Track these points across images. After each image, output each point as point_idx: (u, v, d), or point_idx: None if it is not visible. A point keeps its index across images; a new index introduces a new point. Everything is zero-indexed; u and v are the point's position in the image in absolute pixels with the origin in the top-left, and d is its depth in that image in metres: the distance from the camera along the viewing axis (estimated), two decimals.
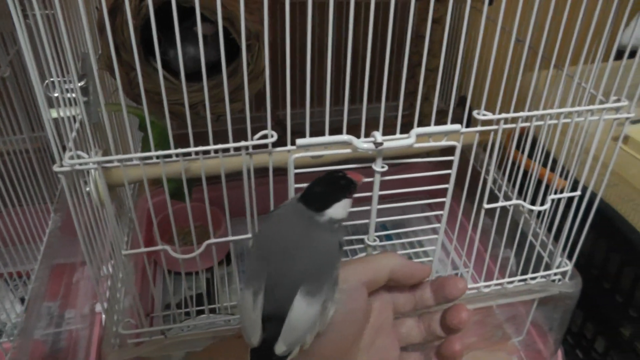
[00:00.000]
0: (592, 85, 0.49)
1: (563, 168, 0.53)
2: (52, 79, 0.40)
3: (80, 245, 0.45)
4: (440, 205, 0.49)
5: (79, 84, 0.43)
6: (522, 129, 0.50)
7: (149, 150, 0.41)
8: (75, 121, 0.44)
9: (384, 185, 0.46)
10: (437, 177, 0.48)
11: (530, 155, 0.54)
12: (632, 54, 0.47)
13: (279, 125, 0.70)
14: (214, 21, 0.45)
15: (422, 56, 0.43)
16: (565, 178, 0.53)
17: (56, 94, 0.41)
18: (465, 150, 0.48)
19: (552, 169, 0.53)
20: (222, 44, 0.39)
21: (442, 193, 0.48)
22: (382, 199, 0.47)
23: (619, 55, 0.47)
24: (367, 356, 0.40)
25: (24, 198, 0.66)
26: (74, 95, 0.43)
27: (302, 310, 0.31)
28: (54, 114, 0.41)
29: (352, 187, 0.35)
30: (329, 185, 0.34)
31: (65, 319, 0.69)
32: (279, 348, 0.31)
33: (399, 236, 0.77)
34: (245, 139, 0.41)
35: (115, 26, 0.48)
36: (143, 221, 0.77)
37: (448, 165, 0.46)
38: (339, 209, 0.33)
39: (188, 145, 0.41)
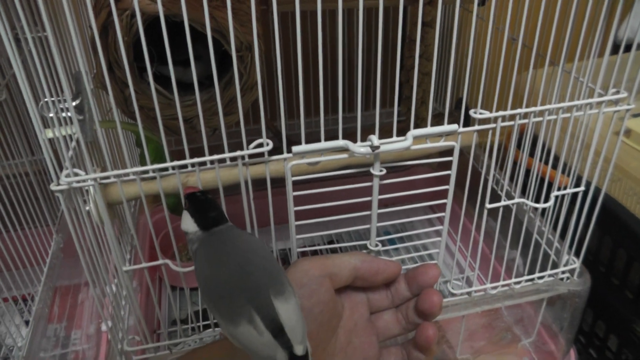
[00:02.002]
0: (589, 80, 0.48)
1: (565, 165, 0.52)
2: (46, 99, 0.40)
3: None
4: (443, 208, 0.48)
5: (74, 103, 0.43)
6: (522, 129, 0.50)
7: (146, 173, 0.41)
8: (71, 140, 0.44)
9: (384, 190, 0.45)
10: (437, 180, 0.47)
11: (531, 154, 0.53)
12: (629, 48, 0.46)
13: (277, 137, 0.70)
14: (204, 33, 0.45)
15: (415, 60, 0.43)
16: (568, 175, 0.52)
17: (51, 114, 0.41)
18: (465, 152, 0.47)
19: (554, 167, 0.52)
20: (213, 57, 0.38)
21: (444, 195, 0.48)
22: (384, 204, 0.47)
23: (616, 50, 0.47)
24: (344, 357, 0.40)
25: (25, 221, 0.66)
26: (69, 114, 0.43)
27: (286, 310, 0.32)
28: (50, 134, 0.41)
29: (185, 201, 0.38)
30: (208, 206, 0.37)
31: (72, 340, 0.68)
32: (298, 350, 0.31)
33: (402, 240, 0.77)
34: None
35: (107, 44, 0.48)
36: (146, 238, 0.77)
37: (448, 167, 0.46)
38: (184, 224, 0.36)
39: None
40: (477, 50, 0.44)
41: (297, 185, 0.43)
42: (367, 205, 0.46)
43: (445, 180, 0.47)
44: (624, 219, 0.63)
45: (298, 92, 0.39)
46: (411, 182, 0.46)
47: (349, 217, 0.46)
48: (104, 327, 0.67)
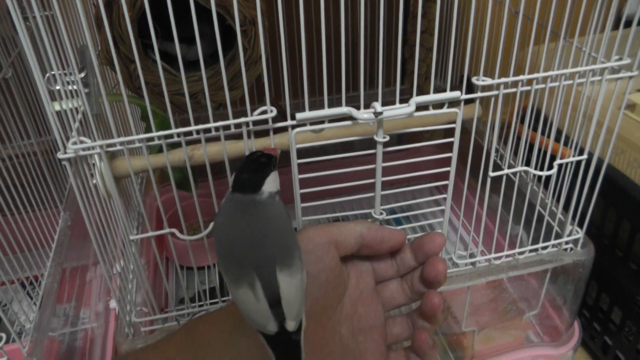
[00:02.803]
0: (592, 50, 0.48)
1: (567, 138, 0.52)
2: (52, 72, 0.41)
3: (90, 246, 0.45)
4: (446, 181, 0.48)
5: (80, 75, 0.44)
6: (525, 103, 0.50)
7: (152, 140, 0.42)
8: (77, 112, 0.44)
9: (387, 169, 0.46)
10: (441, 154, 0.48)
11: (534, 129, 0.53)
12: (629, 24, 0.46)
13: (281, 114, 0.70)
14: (207, 9, 0.45)
15: (417, 35, 0.43)
16: (571, 147, 0.52)
17: (58, 87, 0.42)
18: (467, 127, 0.47)
19: (557, 140, 0.52)
20: (217, 31, 0.39)
21: (447, 173, 0.48)
22: (388, 183, 0.47)
23: (617, 26, 0.47)
24: (350, 326, 0.40)
25: (35, 202, 0.67)
26: (75, 87, 0.43)
27: (288, 284, 0.32)
28: (57, 107, 0.42)
29: (273, 160, 0.37)
30: (252, 167, 0.36)
31: (81, 319, 0.69)
32: (290, 325, 0.32)
33: (406, 218, 0.77)
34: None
35: (112, 20, 0.49)
36: (152, 218, 0.78)
37: (450, 145, 0.46)
38: (271, 183, 0.35)
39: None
40: (478, 24, 0.44)
41: (301, 164, 0.44)
42: (370, 181, 0.46)
43: (448, 151, 0.47)
44: (628, 190, 0.63)
45: (302, 70, 0.39)
46: (415, 153, 0.47)
47: (353, 185, 0.47)
48: (112, 304, 0.68)
